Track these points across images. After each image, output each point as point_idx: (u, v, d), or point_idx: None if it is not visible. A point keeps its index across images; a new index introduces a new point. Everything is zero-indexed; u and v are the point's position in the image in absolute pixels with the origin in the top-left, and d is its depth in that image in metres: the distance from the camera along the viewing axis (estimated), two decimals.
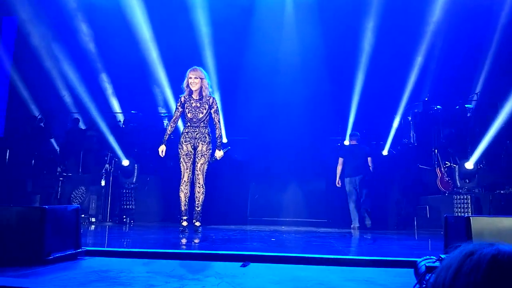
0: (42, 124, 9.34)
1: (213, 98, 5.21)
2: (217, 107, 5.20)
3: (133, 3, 9.39)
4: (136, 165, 8.20)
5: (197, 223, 5.07)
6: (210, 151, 5.18)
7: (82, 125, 9.58)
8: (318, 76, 9.25)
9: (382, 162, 8.49)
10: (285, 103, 9.22)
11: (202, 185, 5.04)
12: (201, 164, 5.06)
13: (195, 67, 5.22)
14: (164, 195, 8.54)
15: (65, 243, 3.03)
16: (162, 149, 5.13)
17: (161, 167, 8.91)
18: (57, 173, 8.22)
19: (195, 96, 5.13)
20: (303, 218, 8.18)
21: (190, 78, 5.10)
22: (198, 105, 5.13)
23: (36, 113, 9.62)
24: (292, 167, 8.64)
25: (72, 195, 7.55)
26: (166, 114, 9.96)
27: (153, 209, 8.36)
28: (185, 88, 5.15)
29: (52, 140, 9.37)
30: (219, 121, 5.19)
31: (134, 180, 8.16)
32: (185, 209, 5.02)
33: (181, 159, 5.06)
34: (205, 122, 5.18)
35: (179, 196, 5.02)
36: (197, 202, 5.04)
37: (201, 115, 5.14)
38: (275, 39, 9.93)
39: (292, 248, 4.32)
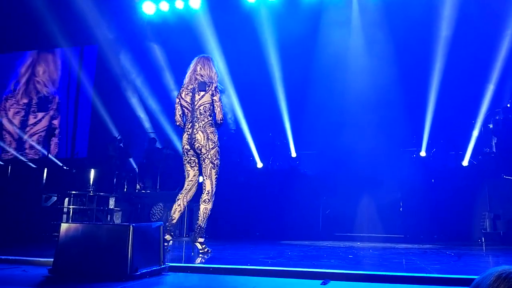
0: (121, 144, 9.90)
1: None
2: None
3: (202, 23, 9.79)
4: None
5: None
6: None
7: (158, 144, 10.02)
8: (390, 84, 8.96)
9: (462, 173, 8.05)
10: (355, 113, 9.04)
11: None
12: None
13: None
14: (236, 210, 8.64)
15: (150, 259, 3.14)
16: None
17: (232, 183, 9.06)
18: (137, 191, 8.64)
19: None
20: (379, 234, 7.89)
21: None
22: None
23: (116, 134, 10.23)
24: (364, 180, 8.37)
25: (151, 212, 7.87)
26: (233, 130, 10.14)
27: (225, 224, 8.47)
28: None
29: (131, 160, 9.89)
30: None
31: None
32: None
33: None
34: None
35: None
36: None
37: None
38: (343, 50, 9.81)
39: (371, 265, 4.18)
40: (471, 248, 6.29)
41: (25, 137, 10.72)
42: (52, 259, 3.03)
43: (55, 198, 7.14)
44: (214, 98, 4.44)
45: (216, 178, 4.45)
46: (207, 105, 4.44)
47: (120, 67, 10.57)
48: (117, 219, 7.86)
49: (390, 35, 9.30)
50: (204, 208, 4.43)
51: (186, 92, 4.53)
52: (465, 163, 8.13)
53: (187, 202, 4.57)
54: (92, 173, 7.56)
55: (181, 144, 4.54)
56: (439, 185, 8.07)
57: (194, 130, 4.40)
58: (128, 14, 10.84)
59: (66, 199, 7.17)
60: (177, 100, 4.58)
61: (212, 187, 4.42)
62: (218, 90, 4.50)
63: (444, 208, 7.71)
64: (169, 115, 10.30)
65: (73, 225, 3.11)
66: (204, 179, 4.43)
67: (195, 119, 4.42)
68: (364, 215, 8.32)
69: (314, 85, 9.64)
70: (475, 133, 8.36)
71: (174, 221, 4.58)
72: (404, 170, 8.18)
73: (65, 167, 8.30)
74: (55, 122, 10.99)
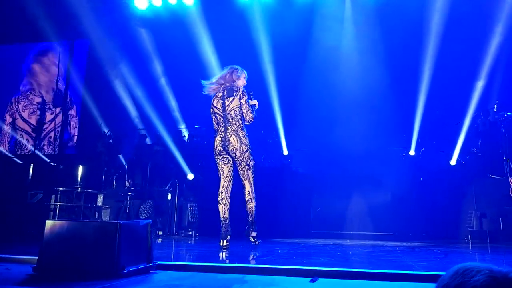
0: (110, 140, 9.82)
1: None
2: None
3: (195, 19, 9.75)
4: (201, 178, 8.39)
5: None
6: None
7: (148, 141, 9.97)
8: (380, 84, 9.01)
9: (450, 172, 8.12)
10: (347, 111, 9.07)
11: None
12: None
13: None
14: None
15: (137, 257, 3.11)
16: None
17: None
18: (126, 188, 8.57)
19: None
20: (368, 231, 7.93)
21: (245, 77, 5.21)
22: None
23: (105, 130, 10.14)
24: (355, 179, 8.39)
25: (140, 209, 7.81)
26: None
27: (216, 222, 8.43)
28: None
29: (120, 156, 9.82)
30: None
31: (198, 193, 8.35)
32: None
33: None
34: None
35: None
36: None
37: None
38: (335, 48, 9.81)
39: (360, 263, 4.19)
40: (458, 246, 6.36)
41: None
42: (37, 257, 2.98)
43: (41, 195, 7.03)
44: (241, 101, 4.88)
45: (253, 177, 4.95)
46: (237, 110, 4.88)
47: (111, 62, 10.46)
48: (105, 216, 7.78)
49: (381, 34, 9.34)
50: (250, 206, 5.02)
51: (217, 100, 4.98)
52: (453, 162, 8.19)
53: (229, 198, 5.01)
54: (80, 169, 7.46)
55: (214, 145, 4.93)
56: (428, 183, 8.12)
57: (227, 134, 4.84)
58: (120, 8, 10.70)
59: (53, 196, 7.07)
60: (211, 110, 5.02)
61: (251, 187, 4.94)
62: (244, 94, 4.92)
63: (433, 206, 7.77)
64: (161, 112, 10.26)
65: (59, 222, 3.06)
66: (243, 181, 4.91)
67: (227, 123, 4.86)
68: (354, 213, 8.35)
69: (306, 83, 9.64)
70: (463, 133, 8.42)
71: (228, 221, 5.04)
72: (393, 169, 8.22)
73: (52, 163, 8.18)
74: (72, 111, 10.85)
